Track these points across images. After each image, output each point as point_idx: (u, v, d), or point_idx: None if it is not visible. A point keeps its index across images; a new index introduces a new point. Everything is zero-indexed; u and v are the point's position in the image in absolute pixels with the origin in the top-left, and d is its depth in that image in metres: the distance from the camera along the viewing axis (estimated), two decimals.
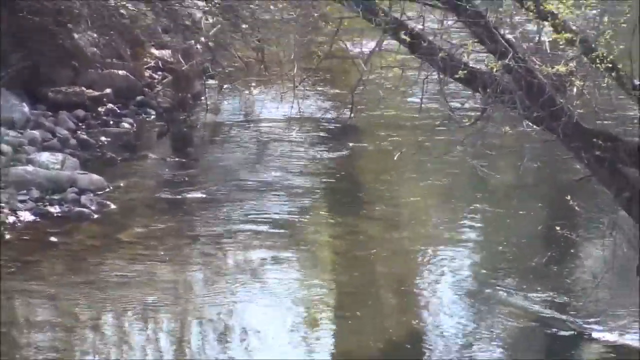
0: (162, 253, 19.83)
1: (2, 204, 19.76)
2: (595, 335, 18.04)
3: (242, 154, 22.29)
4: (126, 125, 21.81)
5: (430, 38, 16.89)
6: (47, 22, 21.15)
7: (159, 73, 21.69)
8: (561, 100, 16.79)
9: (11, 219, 19.33)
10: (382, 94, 21.19)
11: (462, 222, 21.03)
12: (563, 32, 16.32)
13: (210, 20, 22.41)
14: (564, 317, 18.50)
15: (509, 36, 16.54)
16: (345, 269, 20.44)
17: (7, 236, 19.11)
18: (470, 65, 16.64)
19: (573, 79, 16.63)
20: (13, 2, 21.56)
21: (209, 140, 22.23)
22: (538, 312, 18.66)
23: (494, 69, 16.87)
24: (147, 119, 22.14)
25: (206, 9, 22.55)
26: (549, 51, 16.89)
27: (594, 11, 17.26)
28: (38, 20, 20.96)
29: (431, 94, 18.96)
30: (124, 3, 21.55)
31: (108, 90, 21.79)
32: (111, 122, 21.91)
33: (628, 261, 17.66)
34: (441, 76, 17.21)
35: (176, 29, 22.07)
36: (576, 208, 17.98)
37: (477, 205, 21.17)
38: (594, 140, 16.27)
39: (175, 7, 22.12)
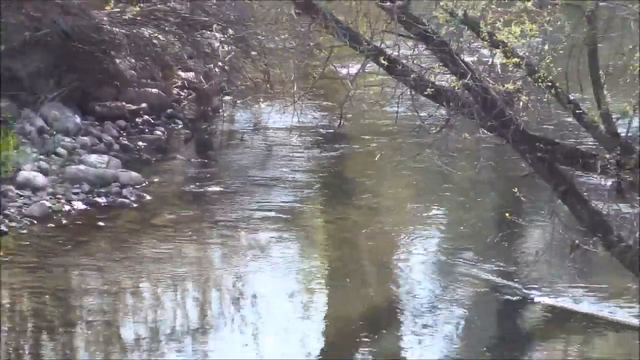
0: (188, 234, 20.25)
1: (60, 196, 20.11)
2: (536, 299, 18.43)
3: (253, 155, 22.53)
4: (158, 132, 21.90)
5: (404, 62, 17.46)
6: (94, 50, 21.17)
7: (185, 91, 21.73)
8: (510, 112, 16.64)
9: (67, 207, 19.63)
10: (365, 107, 21.05)
11: (430, 209, 21.32)
12: (511, 57, 16.89)
13: (226, 48, 22.67)
14: (511, 284, 18.93)
15: (468, 60, 17.40)
16: (335, 247, 20.91)
17: (64, 221, 19.41)
18: (436, 84, 17.35)
19: (520, 95, 17.24)
20: (68, 34, 21.64)
21: (226, 144, 22.36)
22: (491, 280, 19.03)
23: (456, 87, 16.44)
24: (175, 128, 22.22)
25: (222, 39, 22.88)
26: (500, 72, 17.57)
27: (538, 39, 18.08)
28: (87, 48, 21.06)
29: (405, 106, 18.78)
30: (156, 34, 22.04)
31: (144, 105, 21.85)
32: (146, 130, 22.02)
33: (563, 241, 17.47)
34: (413, 93, 17.75)
35: (198, 55, 22.27)
36: (522, 198, 17.71)
37: (443, 195, 21.56)
38: (536, 144, 16.60)
39: (197, 38, 22.45)
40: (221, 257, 20.34)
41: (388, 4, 16.59)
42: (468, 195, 21.30)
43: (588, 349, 18.19)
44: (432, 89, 16.86)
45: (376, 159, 21.31)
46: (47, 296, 18.23)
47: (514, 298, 18.56)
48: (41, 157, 20.70)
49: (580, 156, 16.90)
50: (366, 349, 18.73)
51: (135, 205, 20.40)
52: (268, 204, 21.30)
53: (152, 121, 22.37)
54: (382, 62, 17.16)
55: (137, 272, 19.27)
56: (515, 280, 18.92)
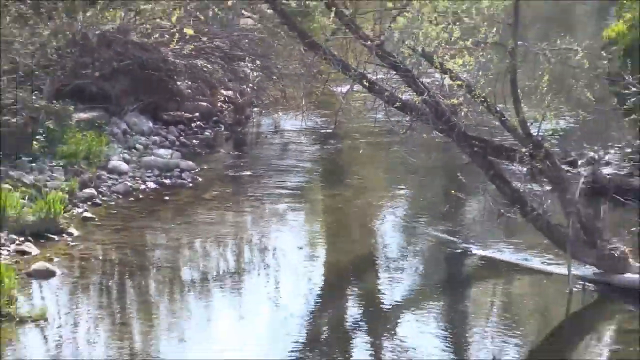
0: (228, 205, 20.21)
1: (137, 178, 20.08)
2: (473, 251, 18.34)
3: (273, 150, 22.67)
4: (207, 133, 21.88)
5: (380, 84, 17.80)
6: (162, 75, 21.55)
7: (226, 104, 21.56)
8: (454, 119, 17.04)
9: (142, 186, 19.63)
10: (352, 115, 21.21)
11: (398, 187, 21.35)
12: (456, 80, 16.83)
13: (254, 74, 22.72)
14: (455, 240, 18.85)
15: (425, 82, 17.24)
16: (331, 214, 20.84)
17: (140, 196, 19.42)
18: (403, 99, 17.36)
19: (461, 107, 17.27)
20: (144, 64, 21.48)
21: (254, 142, 22.80)
22: (441, 237, 18.93)
23: (416, 101, 17.35)
24: (219, 130, 22.36)
25: (252, 67, 22.79)
26: (447, 91, 17.33)
27: (474, 68, 17.39)
28: (157, 74, 21.40)
29: (381, 114, 19.24)
30: (205, 64, 21.89)
31: (197, 114, 22.00)
32: (198, 132, 22.09)
33: (492, 210, 17.90)
34: (386, 105, 17.93)
35: (235, 79, 22.13)
36: (463, 180, 18.07)
37: (407, 178, 21.50)
38: (473, 141, 17.39)
39: (234, 66, 22.36)
40: (251, 221, 20.16)
41: (369, 43, 16.72)
42: (425, 178, 21.09)
43: (509, 286, 18.01)
44: (400, 103, 17.76)
45: (360, 152, 21.53)
46: (128, 249, 18.23)
47: (457, 250, 18.47)
48: (125, 151, 20.62)
49: (504, 150, 17.80)
50: (353, 283, 18.66)
51: (190, 184, 20.34)
52: (284, 183, 21.17)
53: (203, 125, 22.24)
54: (365, 83, 17.81)
55: (191, 232, 19.19)
56: (458, 237, 18.83)
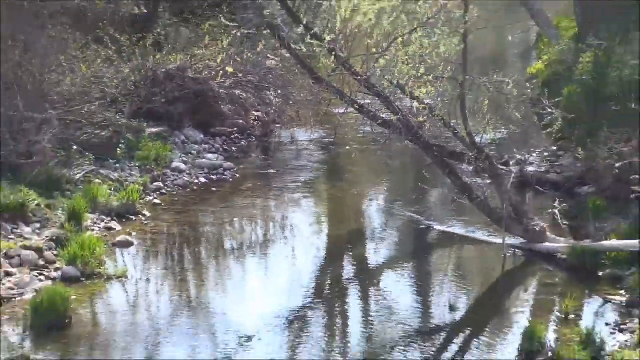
0: (258, 194, 19.90)
1: (192, 175, 19.82)
2: (434, 227, 18.09)
3: (290, 155, 22.22)
4: (242, 143, 21.52)
5: (367, 106, 17.61)
6: (211, 101, 21.50)
7: (256, 122, 21.42)
8: (420, 132, 16.96)
9: (196, 181, 19.39)
10: (347, 129, 21.24)
11: (381, 181, 21.09)
12: (421, 104, 17.15)
13: (277, 100, 22.62)
14: (421, 218, 18.60)
15: (399, 105, 16.98)
16: (332, 201, 20.52)
17: (194, 188, 19.26)
18: (383, 117, 17.40)
19: (425, 123, 17.21)
20: (197, 93, 21.25)
21: (276, 149, 22.43)
22: (410, 216, 18.60)
23: (393, 119, 16.98)
24: (251, 141, 22.01)
25: (274, 95, 22.65)
26: (415, 111, 17.49)
27: (435, 95, 17.54)
28: (207, 100, 21.35)
29: (369, 128, 19.10)
30: (241, 93, 21.87)
31: (235, 129, 21.71)
32: (236, 142, 21.73)
33: (448, 197, 18.25)
34: (371, 122, 17.90)
35: (263, 103, 22.01)
36: (427, 176, 18.31)
37: (387, 174, 21.23)
38: (434, 148, 17.12)
39: (262, 94, 22.22)
40: (274, 206, 19.84)
41: (358, 77, 16.90)
42: (399, 174, 20.77)
43: (460, 251, 17.84)
44: (381, 120, 17.70)
45: (353, 156, 21.05)
46: (186, 226, 18.05)
47: (422, 226, 18.23)
48: (183, 155, 20.31)
49: (456, 154, 17.60)
50: (348, 248, 18.29)
51: (230, 179, 20.01)
52: (298, 179, 20.80)
53: (239, 137, 21.83)
54: (355, 106, 17.75)
55: (231, 213, 18.95)
56: (423, 217, 18.55)
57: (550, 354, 13.11)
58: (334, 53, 16.89)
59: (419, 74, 17.30)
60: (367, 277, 17.33)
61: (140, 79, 20.65)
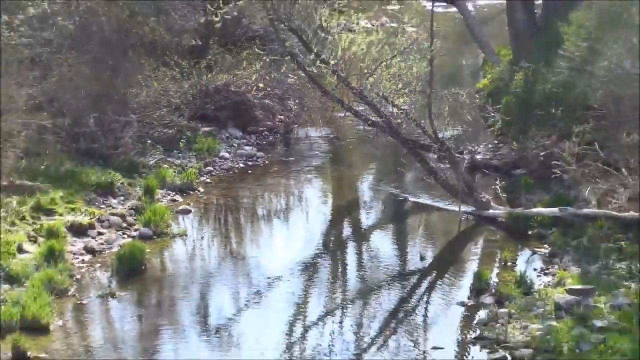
0: (281, 175, 19.42)
1: (234, 162, 19.40)
2: (409, 199, 17.86)
3: (305, 147, 21.51)
4: (271, 139, 21.02)
5: (360, 112, 17.28)
6: (247, 108, 20.94)
7: (280, 123, 21.31)
8: (398, 130, 16.57)
9: (236, 166, 18.88)
10: (346, 128, 21.06)
11: (370, 166, 20.65)
12: (400, 110, 16.75)
13: (295, 107, 22.00)
14: (399, 192, 18.24)
15: (384, 111, 16.70)
16: (334, 179, 20.13)
17: (235, 171, 18.79)
18: (372, 119, 16.99)
19: (402, 124, 16.81)
20: (237, 103, 20.84)
21: (295, 143, 21.75)
22: (391, 191, 18.35)
23: (379, 121, 16.66)
24: (276, 137, 21.40)
25: (293, 103, 22.30)
26: (395, 115, 16.94)
27: (410, 103, 17.32)
28: (243, 107, 20.90)
29: (362, 127, 18.67)
30: (269, 101, 21.34)
31: (265, 128, 21.17)
32: (266, 138, 21.16)
33: (419, 177, 17.90)
34: (363, 123, 17.27)
35: (285, 110, 21.60)
36: (404, 162, 17.98)
37: (375, 161, 20.66)
38: (409, 142, 16.74)
39: (285, 103, 22.02)
40: (293, 183, 19.41)
41: (354, 90, 16.57)
42: (384, 161, 20.37)
43: (427, 216, 17.57)
44: (370, 122, 17.21)
45: (350, 147, 20.84)
46: (229, 198, 17.80)
47: (400, 198, 17.96)
48: (227, 147, 19.88)
49: (425, 146, 17.01)
50: (346, 214, 18.15)
51: (262, 165, 19.53)
52: (310, 164, 20.32)
53: (268, 134, 21.20)
54: (352, 112, 17.45)
55: (262, 189, 18.62)
56: (400, 191, 18.27)
57: (493, 290, 13.12)
58: (336, 73, 16.69)
59: (398, 88, 17.16)
60: (360, 234, 17.23)
61: (196, 92, 20.37)
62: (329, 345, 12.12)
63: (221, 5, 18.91)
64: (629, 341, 10.69)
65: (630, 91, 15.59)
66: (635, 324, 11.12)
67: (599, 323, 11.32)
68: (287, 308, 13.21)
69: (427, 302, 13.78)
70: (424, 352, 11.92)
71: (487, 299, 12.89)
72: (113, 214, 15.69)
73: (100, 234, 15.04)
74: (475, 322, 12.46)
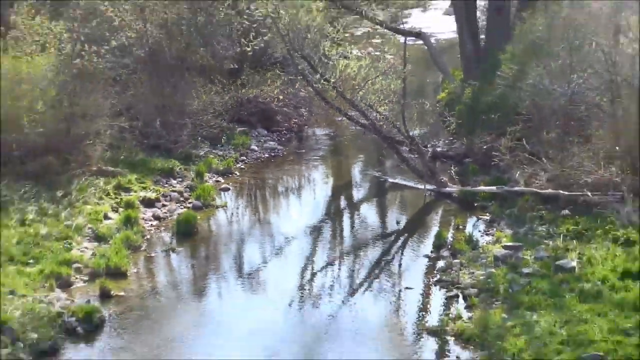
0: (296, 163, 18.85)
1: (262, 153, 18.79)
2: (388, 180, 17.32)
3: (313, 142, 20.51)
4: (288, 136, 20.28)
5: (353, 117, 16.74)
6: (271, 113, 20.24)
7: (295, 125, 20.52)
8: (381, 130, 16.14)
9: (263, 156, 18.33)
10: (343, 127, 20.04)
11: (360, 155, 19.90)
12: (382, 115, 16.50)
13: (306, 113, 21.17)
14: (380, 175, 17.71)
15: (370, 115, 16.30)
16: (334, 166, 19.48)
17: (262, 160, 18.28)
18: (361, 122, 16.53)
19: (383, 125, 16.53)
20: (265, 111, 20.16)
21: (306, 140, 20.65)
22: (376, 174, 17.83)
23: (366, 123, 16.30)
24: (292, 135, 20.44)
25: (305, 111, 21.45)
26: (378, 119, 16.57)
27: (388, 110, 16.92)
28: (269, 113, 20.26)
29: (354, 128, 18.67)
30: (286, 109, 20.66)
31: (284, 129, 20.59)
32: (285, 136, 20.34)
33: (397, 165, 17.22)
34: (355, 124, 17.08)
35: (298, 115, 20.84)
36: (384, 153, 17.83)
37: (364, 152, 19.91)
38: (388, 139, 16.29)
39: (299, 111, 21.30)
40: (304, 168, 18.71)
41: (349, 101, 16.34)
42: (370, 152, 19.70)
43: (401, 193, 17.09)
44: (361, 124, 16.77)
45: (346, 143, 20.31)
46: (259, 179, 17.43)
47: (382, 179, 17.53)
48: (256, 142, 19.30)
49: (400, 142, 16.56)
50: (342, 191, 17.70)
51: (281, 155, 18.86)
52: (317, 154, 19.66)
53: (286, 133, 20.39)
54: (347, 116, 17.10)
55: (282, 173, 18.11)
56: (381, 174, 17.76)
57: (449, 246, 13.08)
58: (335, 88, 16.44)
59: (380, 99, 16.83)
60: (352, 205, 17.05)
61: (233, 102, 19.81)
62: (330, 285, 12.11)
63: (252, 38, 18.94)
64: (547, 283, 10.72)
65: (548, 102, 15.63)
66: (552, 271, 11.13)
67: (525, 270, 11.28)
68: (299, 259, 13.22)
69: (402, 255, 13.66)
70: (399, 290, 11.90)
71: (445, 253, 12.83)
72: (173, 191, 15.47)
73: (164, 205, 14.86)
74: (436, 269, 12.37)
